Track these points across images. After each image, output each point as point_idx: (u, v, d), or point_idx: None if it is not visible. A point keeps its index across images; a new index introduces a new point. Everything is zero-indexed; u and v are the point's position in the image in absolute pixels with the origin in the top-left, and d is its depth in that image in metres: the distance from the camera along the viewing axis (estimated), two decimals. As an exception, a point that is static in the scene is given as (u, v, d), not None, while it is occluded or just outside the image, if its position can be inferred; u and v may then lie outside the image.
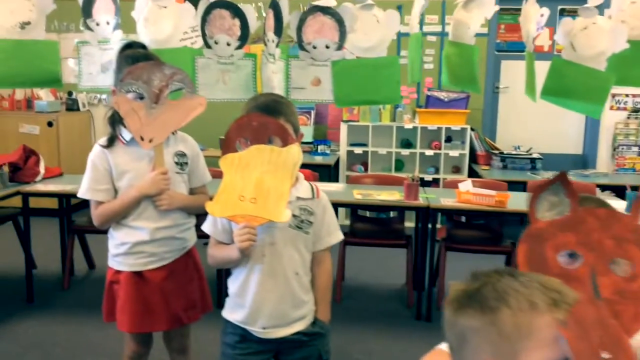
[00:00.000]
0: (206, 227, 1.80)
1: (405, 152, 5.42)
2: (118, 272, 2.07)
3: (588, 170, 5.06)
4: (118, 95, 1.94)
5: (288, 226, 1.71)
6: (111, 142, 2.03)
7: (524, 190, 4.19)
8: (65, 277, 3.77)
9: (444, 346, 1.20)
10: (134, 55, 2.00)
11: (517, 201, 3.28)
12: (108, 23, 2.76)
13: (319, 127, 5.72)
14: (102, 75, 2.81)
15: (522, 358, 0.82)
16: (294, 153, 1.64)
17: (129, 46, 2.11)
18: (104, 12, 2.77)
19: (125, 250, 2.04)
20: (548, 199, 1.24)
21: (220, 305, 1.88)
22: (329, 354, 1.84)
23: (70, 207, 4.09)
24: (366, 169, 5.43)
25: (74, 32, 5.46)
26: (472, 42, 2.79)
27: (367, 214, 3.87)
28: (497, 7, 2.72)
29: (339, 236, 1.83)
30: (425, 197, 3.39)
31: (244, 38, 2.82)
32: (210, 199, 1.74)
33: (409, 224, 3.90)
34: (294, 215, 1.71)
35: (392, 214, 4.08)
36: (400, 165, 5.53)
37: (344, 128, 5.39)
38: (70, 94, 5.67)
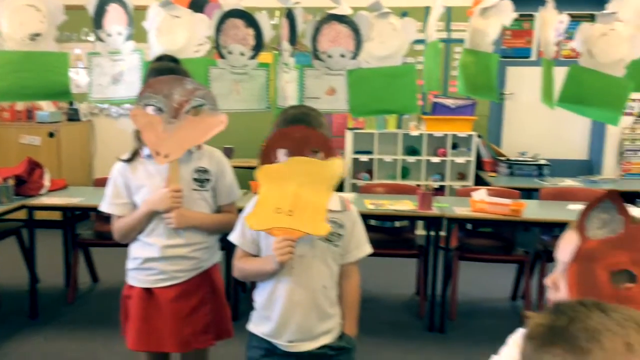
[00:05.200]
0: (233, 238, 1.77)
1: (411, 159, 5.38)
2: (131, 287, 2.03)
3: (595, 176, 5.02)
4: (136, 108, 1.88)
5: (317, 238, 1.68)
6: (133, 156, 1.97)
7: (533, 197, 4.16)
8: (69, 291, 3.69)
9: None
10: (159, 68, 1.94)
11: (530, 209, 3.24)
12: (120, 34, 2.71)
13: (323, 134, 5.66)
14: (113, 87, 2.76)
15: None
16: (336, 166, 1.61)
17: (159, 59, 2.04)
18: (115, 23, 2.71)
19: (137, 265, 2.00)
20: (599, 216, 1.21)
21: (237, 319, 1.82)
22: None
23: (74, 219, 4.01)
24: (372, 177, 5.38)
25: (75, 42, 5.38)
26: (490, 49, 2.76)
27: (372, 222, 3.75)
28: (515, 14, 2.69)
29: (368, 249, 1.80)
30: (439, 207, 3.35)
31: (258, 47, 2.78)
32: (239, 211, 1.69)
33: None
34: None
35: (397, 223, 3.95)
36: (406, 172, 5.49)
37: (349, 136, 5.35)
38: (71, 103, 5.60)
